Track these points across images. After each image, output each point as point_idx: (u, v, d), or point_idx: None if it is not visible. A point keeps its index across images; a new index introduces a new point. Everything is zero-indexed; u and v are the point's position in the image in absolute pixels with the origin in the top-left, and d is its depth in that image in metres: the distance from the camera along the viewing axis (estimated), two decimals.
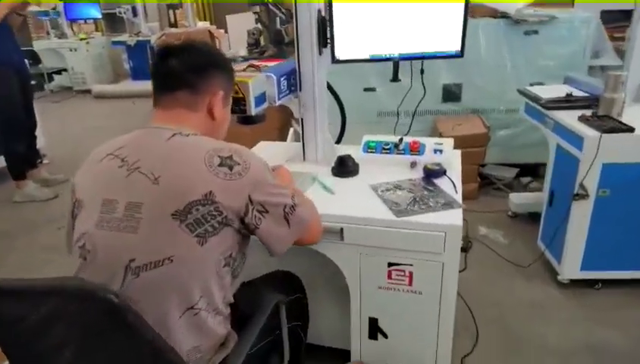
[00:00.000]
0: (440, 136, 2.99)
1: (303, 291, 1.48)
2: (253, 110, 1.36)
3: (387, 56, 1.61)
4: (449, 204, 1.37)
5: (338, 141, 2.08)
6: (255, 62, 4.27)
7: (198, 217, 0.91)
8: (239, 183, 0.95)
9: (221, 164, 0.94)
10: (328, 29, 1.56)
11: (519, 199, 2.84)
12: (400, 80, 1.68)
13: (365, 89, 3.20)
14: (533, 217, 2.73)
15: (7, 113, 3.27)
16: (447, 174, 1.55)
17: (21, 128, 3.40)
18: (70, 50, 7.06)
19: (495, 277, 2.31)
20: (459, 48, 1.58)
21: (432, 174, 1.55)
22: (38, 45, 7.07)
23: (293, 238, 1.08)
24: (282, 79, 1.54)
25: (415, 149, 1.66)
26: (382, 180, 1.55)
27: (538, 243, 2.40)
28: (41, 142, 4.21)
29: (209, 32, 5.63)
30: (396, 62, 1.64)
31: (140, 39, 6.88)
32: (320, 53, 1.60)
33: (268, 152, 1.91)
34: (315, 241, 1.21)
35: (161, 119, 1.03)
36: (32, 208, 3.39)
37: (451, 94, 3.19)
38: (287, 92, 1.60)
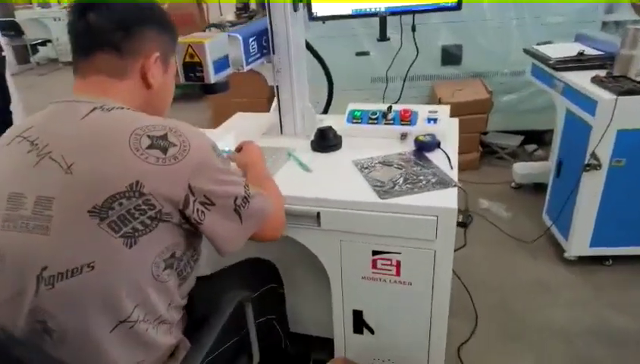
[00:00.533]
0: (440, 102, 2.77)
1: (279, 280, 1.32)
2: (212, 77, 1.16)
3: (373, 11, 1.39)
4: (442, 182, 1.18)
5: (325, 111, 1.88)
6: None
7: (122, 213, 0.73)
8: (175, 168, 0.76)
9: (151, 146, 0.75)
10: None
11: (523, 169, 2.64)
12: (388, 39, 1.47)
13: (358, 54, 2.96)
14: (538, 188, 2.55)
15: None
16: (442, 146, 1.36)
17: None
18: (55, 19, 6.77)
19: (497, 255, 2.15)
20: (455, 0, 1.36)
21: (424, 146, 1.36)
22: (20, 16, 6.77)
23: (245, 235, 0.90)
24: (251, 40, 1.33)
25: (406, 119, 1.46)
26: (367, 155, 1.36)
27: (544, 217, 2.23)
28: (20, 119, 4.03)
29: None
30: (383, 17, 1.43)
31: None
32: (295, 9, 1.38)
33: (244, 123, 1.72)
34: (275, 237, 1.03)
35: (80, 89, 0.84)
36: None
37: (450, 56, 2.95)
38: (258, 55, 1.39)
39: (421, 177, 1.21)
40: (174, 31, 0.94)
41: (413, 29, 1.46)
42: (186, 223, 0.81)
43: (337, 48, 2.88)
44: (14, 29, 6.51)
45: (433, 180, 1.19)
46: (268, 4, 1.36)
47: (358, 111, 1.53)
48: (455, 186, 1.17)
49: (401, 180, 1.20)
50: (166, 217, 0.77)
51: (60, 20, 6.75)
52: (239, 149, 1.28)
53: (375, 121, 1.49)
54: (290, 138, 1.53)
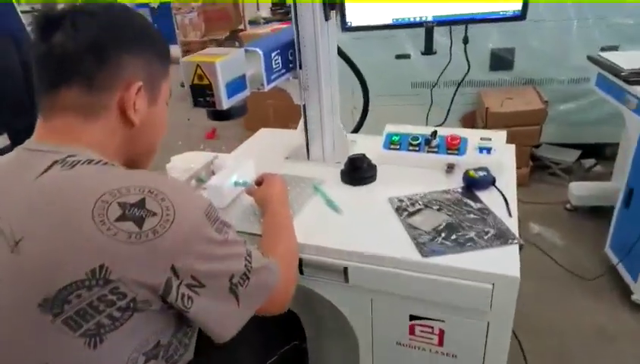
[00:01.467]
0: (487, 112, 2.51)
1: (302, 333, 1.14)
2: (225, 101, 0.98)
3: (418, 20, 1.17)
4: (499, 236, 0.96)
5: (359, 125, 1.68)
6: (277, 24, 3.78)
7: (82, 307, 0.56)
8: (153, 246, 0.58)
9: (122, 218, 0.57)
10: None
11: (580, 190, 2.35)
12: (435, 53, 1.25)
13: (398, 56, 2.72)
14: (598, 212, 2.26)
15: (5, 87, 3.01)
16: (497, 184, 1.14)
17: (22, 103, 3.15)
18: None
19: (550, 292, 1.89)
20: (519, 8, 1.13)
21: (475, 183, 1.14)
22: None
23: (244, 318, 0.71)
24: (274, 55, 1.14)
25: (454, 147, 1.24)
26: (406, 190, 1.15)
27: (606, 251, 1.95)
28: None
29: None
30: (429, 28, 1.21)
31: (164, 0, 6.52)
32: (327, 18, 1.18)
33: (266, 143, 1.53)
34: (281, 311, 0.84)
35: (42, 135, 0.67)
36: None
37: (501, 61, 2.67)
38: (283, 71, 1.20)
39: (473, 228, 0.99)
40: (163, 46, 0.76)
41: (465, 41, 1.24)
42: (170, 308, 0.64)
43: (375, 50, 2.66)
44: None
45: (488, 233, 0.97)
46: (295, 11, 1.17)
47: (396, 135, 1.32)
48: (517, 242, 0.94)
49: (447, 231, 0.99)
50: (142, 305, 0.59)
51: None
52: (259, 183, 1.11)
53: (417, 148, 1.28)
54: (318, 164, 1.33)
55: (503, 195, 1.10)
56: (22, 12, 3.13)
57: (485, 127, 2.55)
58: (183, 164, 1.24)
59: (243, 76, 1.04)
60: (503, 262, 0.90)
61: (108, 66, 0.66)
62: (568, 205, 2.40)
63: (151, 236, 0.58)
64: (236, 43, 1.10)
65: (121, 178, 0.62)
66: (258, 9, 5.15)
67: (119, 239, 0.56)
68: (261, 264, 0.73)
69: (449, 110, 1.69)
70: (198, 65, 0.95)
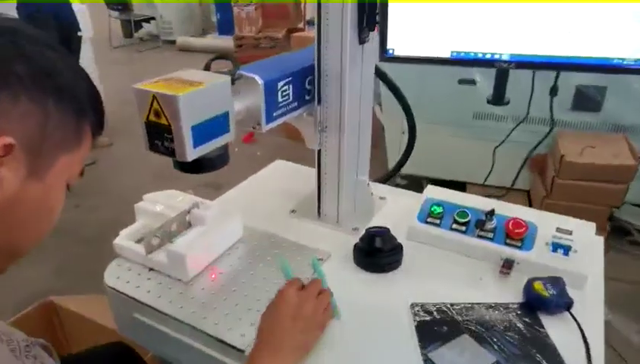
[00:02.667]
0: (562, 160, 2.09)
1: None
2: (189, 151, 0.69)
3: (489, 58, 0.83)
4: None
5: (404, 159, 1.32)
6: None
7: None
8: None
9: None
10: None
11: None
12: (507, 103, 0.90)
13: (461, 81, 2.34)
14: None
15: None
16: (574, 310, 0.77)
17: None
18: None
19: None
20: None
21: (542, 303, 0.78)
22: None
23: None
24: (281, 84, 0.84)
25: (516, 236, 0.89)
26: (438, 292, 0.82)
27: None
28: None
29: None
30: (503, 71, 0.86)
31: None
32: (361, 41, 0.87)
33: (275, 184, 1.23)
34: None
35: None
36: None
37: (586, 100, 2.22)
38: (294, 105, 0.90)
39: None
40: (83, 108, 0.49)
41: (554, 93, 0.88)
42: None
43: (432, 71, 2.29)
44: (122, 4, 6.63)
45: None
46: (318, 26, 0.86)
47: (439, 204, 0.97)
48: None
49: None
50: None
51: None
52: None
53: (464, 229, 0.93)
54: (328, 227, 1.02)
55: (583, 334, 0.74)
56: None
57: (557, 176, 2.13)
58: (154, 206, 0.96)
59: (225, 116, 0.74)
60: None
61: None
62: None
63: None
64: (231, 65, 0.78)
65: None
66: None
67: None
68: None
69: (521, 167, 1.32)
70: (154, 97, 0.66)
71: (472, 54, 0.83)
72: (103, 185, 3.01)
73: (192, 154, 0.69)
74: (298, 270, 0.87)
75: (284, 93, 0.86)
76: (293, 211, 1.08)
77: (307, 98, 0.93)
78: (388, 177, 1.41)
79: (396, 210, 1.07)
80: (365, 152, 1.04)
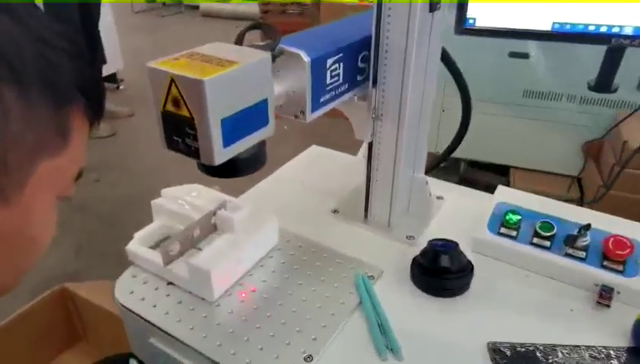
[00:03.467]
0: (624, 146, 1.87)
1: None
2: (219, 152, 0.53)
3: (604, 32, 0.64)
4: None
5: (453, 147, 1.15)
6: None
7: None
8: None
9: None
10: None
11: None
12: (614, 91, 0.71)
13: (512, 54, 2.11)
14: None
15: None
16: None
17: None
18: None
19: None
20: None
21: None
22: None
23: None
24: (331, 62, 0.67)
25: (618, 257, 0.71)
26: (519, 326, 0.66)
27: None
28: (118, 64, 3.79)
29: None
30: (618, 47, 0.66)
31: None
32: (433, 8, 0.68)
33: (315, 169, 1.07)
34: None
35: None
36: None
37: None
38: (345, 87, 0.72)
39: None
40: (31, 65, 0.33)
41: None
42: None
43: (480, 43, 2.06)
44: None
45: None
46: None
47: (515, 212, 0.80)
48: None
49: None
50: None
51: None
52: None
53: (547, 244, 0.76)
54: (378, 234, 0.86)
55: None
56: None
57: (617, 163, 1.91)
58: (174, 204, 0.82)
59: (264, 104, 0.57)
60: None
61: None
62: None
63: None
64: (268, 36, 0.61)
65: None
66: None
67: None
68: None
69: (575, 151, 1.12)
70: (172, 81, 0.50)
71: (581, 26, 0.64)
72: (124, 159, 2.90)
73: (221, 155, 0.53)
74: (340, 295, 0.72)
75: (334, 73, 0.69)
76: (335, 211, 0.92)
77: (359, 78, 0.75)
78: (437, 163, 1.23)
79: (456, 214, 0.90)
80: (423, 144, 0.86)
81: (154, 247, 0.78)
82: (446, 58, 0.85)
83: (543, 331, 0.66)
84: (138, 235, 0.79)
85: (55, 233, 0.41)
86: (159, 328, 0.66)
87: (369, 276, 0.75)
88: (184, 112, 0.51)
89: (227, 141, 0.53)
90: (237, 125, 0.54)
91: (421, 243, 0.78)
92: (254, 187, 0.99)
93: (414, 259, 0.76)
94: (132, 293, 0.72)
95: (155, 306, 0.70)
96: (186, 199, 0.82)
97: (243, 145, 0.56)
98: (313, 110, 0.67)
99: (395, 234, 0.85)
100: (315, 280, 0.74)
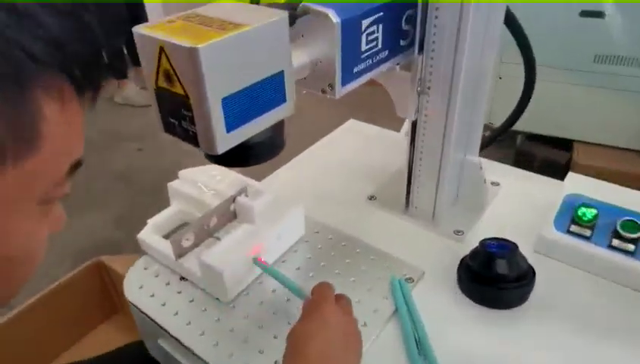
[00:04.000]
0: None
1: None
2: (221, 139, 0.43)
3: None
4: None
5: (514, 119, 0.99)
6: None
7: None
8: None
9: None
10: None
11: None
12: None
13: (584, 13, 1.86)
14: None
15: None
16: None
17: (118, 18, 2.87)
18: None
19: None
20: None
21: None
22: None
23: None
24: (367, 23, 0.54)
25: None
26: (594, 348, 0.53)
27: None
28: None
29: None
30: None
31: None
32: None
33: (351, 147, 0.96)
34: None
35: None
36: (126, 115, 2.95)
37: None
38: (384, 54, 0.60)
39: None
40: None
41: None
42: None
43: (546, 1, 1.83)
44: None
45: None
46: None
47: (590, 206, 0.66)
48: None
49: None
50: None
51: None
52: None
53: (632, 250, 0.62)
54: (420, 226, 0.74)
55: None
56: None
57: None
58: (192, 188, 0.74)
59: (279, 78, 0.46)
60: None
61: None
62: None
63: None
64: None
65: None
66: None
67: None
68: None
69: None
70: (162, 49, 0.40)
71: None
72: None
73: (224, 142, 0.43)
74: (377, 293, 0.62)
75: (371, 37, 0.56)
76: (371, 197, 0.81)
77: (402, 43, 0.62)
78: (491, 139, 1.08)
79: (514, 204, 0.77)
80: (478, 123, 0.73)
81: (168, 236, 0.71)
82: (510, 20, 0.71)
83: (624, 360, 0.54)
84: (152, 222, 0.72)
85: (65, 225, 0.34)
86: (167, 331, 0.59)
87: (408, 278, 0.64)
88: (178, 89, 0.41)
89: (232, 124, 0.43)
90: (244, 104, 0.44)
91: (472, 240, 0.66)
92: (281, 168, 0.89)
93: (462, 261, 0.64)
94: (141, 287, 0.65)
95: (164, 305, 0.62)
96: (205, 181, 0.74)
97: (252, 129, 0.46)
98: (344, 83, 0.55)
99: (440, 228, 0.73)
100: (345, 280, 0.64)
